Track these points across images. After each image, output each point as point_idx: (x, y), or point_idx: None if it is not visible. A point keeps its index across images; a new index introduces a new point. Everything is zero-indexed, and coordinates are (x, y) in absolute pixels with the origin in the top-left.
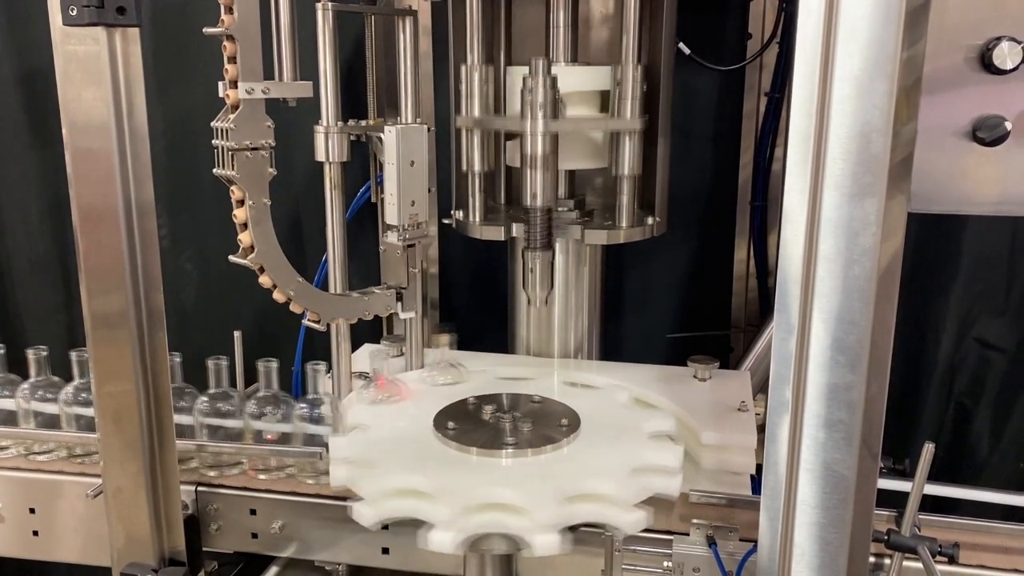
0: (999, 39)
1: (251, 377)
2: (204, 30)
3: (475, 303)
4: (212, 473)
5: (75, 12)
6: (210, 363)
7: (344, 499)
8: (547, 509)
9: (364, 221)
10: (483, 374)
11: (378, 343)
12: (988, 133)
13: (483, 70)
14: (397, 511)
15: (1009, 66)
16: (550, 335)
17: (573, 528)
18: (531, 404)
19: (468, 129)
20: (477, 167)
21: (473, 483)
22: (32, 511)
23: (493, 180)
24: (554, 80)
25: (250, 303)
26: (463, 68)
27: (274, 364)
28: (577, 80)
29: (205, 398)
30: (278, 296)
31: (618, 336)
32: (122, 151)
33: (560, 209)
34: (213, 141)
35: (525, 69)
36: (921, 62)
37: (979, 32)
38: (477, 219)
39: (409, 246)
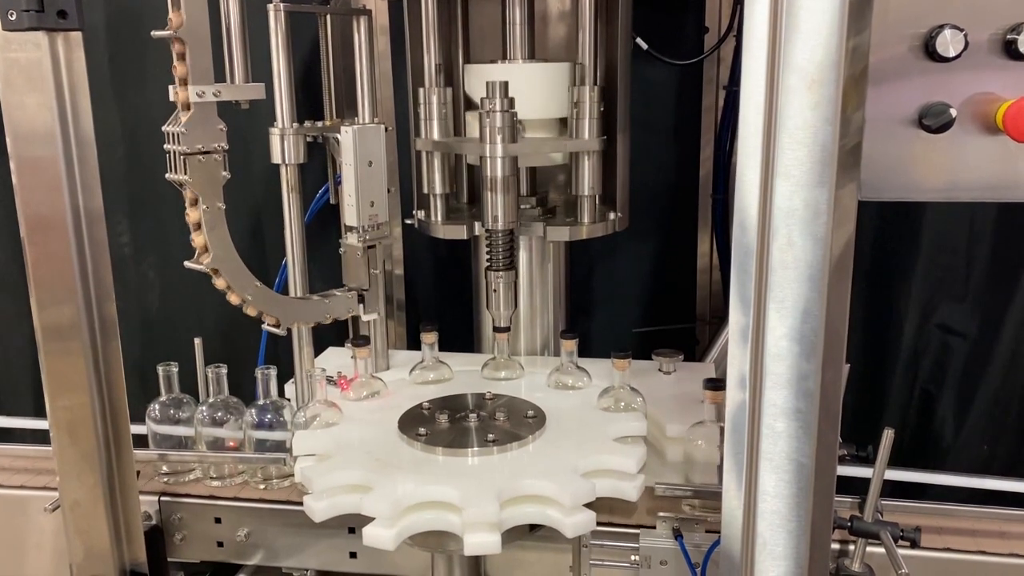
0: (942, 27)
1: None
2: (152, 33)
3: (441, 302)
4: (167, 480)
5: (14, 17)
6: (160, 369)
7: None
8: (484, 507)
9: (326, 223)
10: (467, 374)
11: (343, 345)
12: (934, 120)
13: (441, 93)
14: (343, 507)
15: (952, 53)
16: (516, 333)
17: (534, 527)
18: (499, 404)
19: (428, 152)
20: (439, 189)
21: (420, 481)
22: None
23: (455, 178)
24: (512, 101)
25: (214, 309)
26: (421, 92)
27: (224, 370)
28: (535, 108)
29: (157, 405)
30: (232, 299)
31: (584, 332)
32: (68, 158)
33: (523, 207)
34: (164, 145)
35: (482, 67)
36: (867, 51)
37: (922, 21)
38: (439, 219)
39: (370, 247)
